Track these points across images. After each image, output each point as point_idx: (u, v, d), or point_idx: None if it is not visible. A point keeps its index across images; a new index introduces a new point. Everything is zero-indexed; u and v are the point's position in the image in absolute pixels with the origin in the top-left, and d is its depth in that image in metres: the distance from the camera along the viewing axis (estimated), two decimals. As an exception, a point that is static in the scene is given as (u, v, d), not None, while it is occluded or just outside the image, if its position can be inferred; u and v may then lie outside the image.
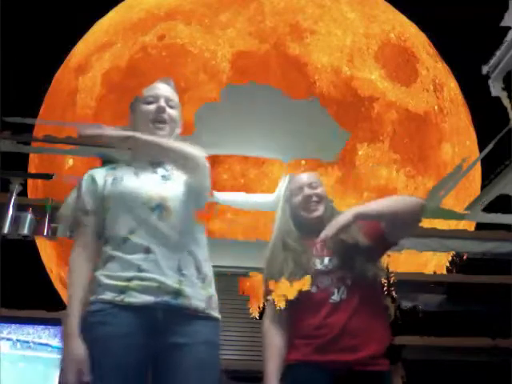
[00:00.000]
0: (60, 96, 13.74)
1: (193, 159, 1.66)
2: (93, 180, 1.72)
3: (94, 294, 1.59)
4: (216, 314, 1.66)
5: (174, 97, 1.82)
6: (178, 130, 1.85)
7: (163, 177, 1.73)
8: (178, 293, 1.56)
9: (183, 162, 1.67)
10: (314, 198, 2.10)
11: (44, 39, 14.95)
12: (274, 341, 2.01)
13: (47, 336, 3.42)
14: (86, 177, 1.76)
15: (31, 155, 11.72)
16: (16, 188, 4.37)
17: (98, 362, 1.49)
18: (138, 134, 1.66)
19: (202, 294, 1.61)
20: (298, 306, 2.00)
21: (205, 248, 1.71)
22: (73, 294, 1.57)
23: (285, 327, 2.03)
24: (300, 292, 1.97)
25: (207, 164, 1.70)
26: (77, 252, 1.64)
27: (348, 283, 1.95)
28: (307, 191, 2.11)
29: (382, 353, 1.96)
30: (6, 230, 4.20)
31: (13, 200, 4.27)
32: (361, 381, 1.89)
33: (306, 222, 2.09)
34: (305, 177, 2.16)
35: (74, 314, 1.53)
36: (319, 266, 2.00)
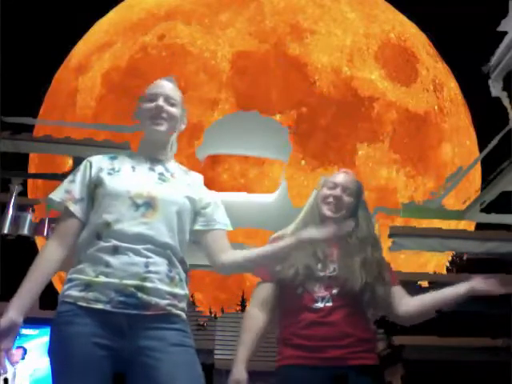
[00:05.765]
0: (60, 96, 13.74)
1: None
2: (90, 167, 1.74)
3: (62, 290, 1.63)
4: (178, 311, 1.64)
5: (175, 94, 1.81)
6: (183, 126, 1.87)
7: (160, 175, 1.75)
8: (139, 288, 1.57)
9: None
10: (334, 200, 2.07)
11: (44, 39, 14.96)
12: (256, 325, 2.04)
13: None
14: (84, 162, 1.78)
15: (31, 155, 11.73)
16: (16, 188, 4.37)
17: (65, 361, 1.54)
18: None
19: (165, 292, 1.61)
20: (285, 303, 2.02)
21: (184, 250, 1.73)
22: (32, 274, 1.61)
23: (270, 315, 2.07)
24: (291, 289, 1.99)
25: None
26: (54, 238, 1.68)
27: (334, 293, 1.97)
28: (337, 192, 2.08)
29: (370, 351, 1.99)
30: (5, 230, 4.20)
31: (13, 200, 4.27)
32: (354, 375, 1.92)
33: (320, 216, 2.09)
34: (341, 177, 2.15)
35: (22, 296, 1.58)
36: (319, 272, 2.02)
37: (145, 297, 1.58)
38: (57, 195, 1.71)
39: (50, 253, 1.65)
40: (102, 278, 1.57)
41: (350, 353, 1.93)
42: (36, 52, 15.29)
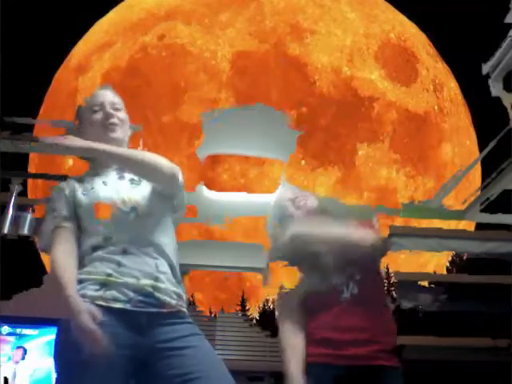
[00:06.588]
0: (60, 96, 13.75)
1: (157, 169, 1.72)
2: (63, 191, 1.77)
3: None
4: (183, 308, 1.70)
5: (118, 100, 1.86)
6: (130, 131, 1.90)
7: (132, 180, 1.79)
8: (154, 288, 1.63)
9: (147, 171, 1.74)
10: (302, 199, 2.19)
11: (44, 39, 14.97)
12: (295, 341, 2.06)
13: None
14: (55, 189, 1.80)
15: (31, 155, 11.73)
16: (16, 188, 4.37)
17: (85, 361, 1.51)
18: (100, 146, 1.70)
19: (173, 292, 1.68)
20: (310, 304, 2.03)
21: (175, 251, 1.78)
22: (67, 280, 1.59)
23: (302, 325, 2.08)
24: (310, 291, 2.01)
25: (176, 171, 1.76)
26: (60, 248, 1.67)
27: (351, 273, 2.00)
28: (296, 195, 2.21)
29: (393, 346, 1.99)
30: (5, 230, 4.20)
31: (13, 200, 4.26)
32: (374, 375, 1.92)
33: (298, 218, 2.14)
34: (289, 193, 2.26)
35: (72, 294, 1.55)
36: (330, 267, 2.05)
37: (161, 296, 1.63)
38: (48, 226, 1.72)
39: (68, 252, 1.65)
40: (117, 277, 1.60)
41: (374, 351, 1.93)
42: (36, 52, 15.30)
